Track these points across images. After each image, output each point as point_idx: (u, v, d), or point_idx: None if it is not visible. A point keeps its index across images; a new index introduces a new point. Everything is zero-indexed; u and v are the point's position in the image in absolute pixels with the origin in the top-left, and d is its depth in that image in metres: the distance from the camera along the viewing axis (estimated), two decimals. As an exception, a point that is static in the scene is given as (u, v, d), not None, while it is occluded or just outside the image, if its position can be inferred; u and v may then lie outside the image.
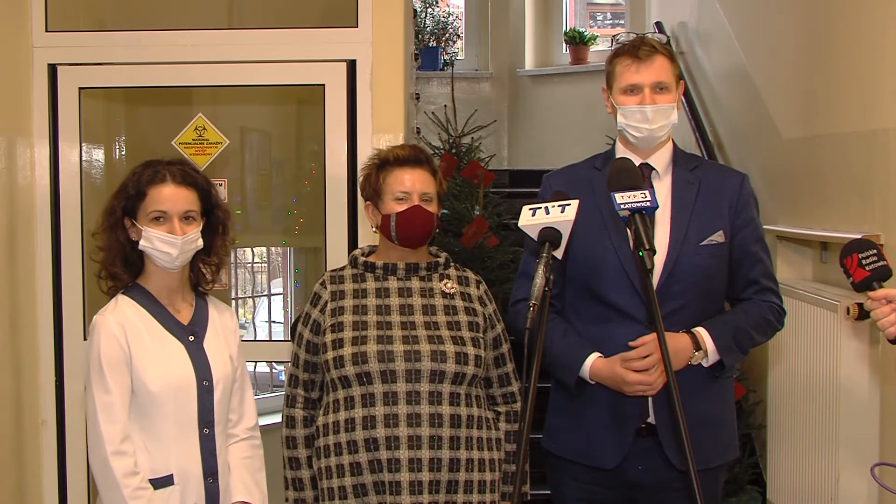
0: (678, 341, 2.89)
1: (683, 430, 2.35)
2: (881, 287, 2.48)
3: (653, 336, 2.85)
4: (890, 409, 3.71)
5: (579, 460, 3.06)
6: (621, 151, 3.07)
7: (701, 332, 2.94)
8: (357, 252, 3.22)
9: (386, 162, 3.12)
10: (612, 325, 2.97)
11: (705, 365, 2.95)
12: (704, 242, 2.98)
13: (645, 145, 3.01)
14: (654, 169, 3.03)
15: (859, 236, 3.63)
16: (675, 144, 3.11)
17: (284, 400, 3.16)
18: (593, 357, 2.96)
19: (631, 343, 2.90)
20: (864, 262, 2.49)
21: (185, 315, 2.96)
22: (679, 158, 3.09)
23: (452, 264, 3.22)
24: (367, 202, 3.16)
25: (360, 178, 3.22)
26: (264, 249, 7.16)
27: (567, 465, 3.10)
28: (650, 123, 2.94)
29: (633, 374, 2.87)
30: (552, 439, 3.15)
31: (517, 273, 3.24)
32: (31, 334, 4.20)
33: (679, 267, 2.94)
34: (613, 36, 3.10)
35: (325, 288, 3.13)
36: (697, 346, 2.92)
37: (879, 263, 2.48)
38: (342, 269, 3.19)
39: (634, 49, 2.97)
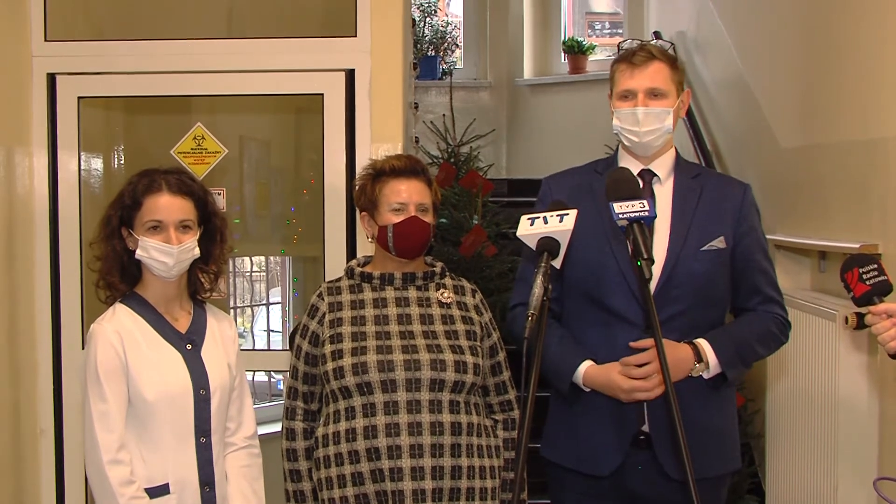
0: (679, 351, 2.89)
1: (682, 441, 2.35)
2: (882, 301, 2.48)
3: (653, 343, 2.85)
4: (889, 418, 3.71)
5: (577, 468, 3.05)
6: (623, 158, 3.08)
7: (703, 343, 2.93)
8: (353, 263, 3.22)
9: (381, 172, 3.12)
10: (610, 329, 2.97)
11: (706, 377, 2.95)
12: (705, 248, 2.98)
13: (640, 151, 3.02)
14: (655, 175, 3.04)
15: (857, 246, 3.65)
16: (677, 152, 3.11)
17: (283, 412, 3.15)
18: (586, 364, 2.95)
19: (632, 344, 2.90)
20: (864, 276, 2.50)
21: (182, 324, 2.96)
22: (681, 166, 3.09)
23: (448, 273, 3.22)
24: (363, 213, 3.17)
25: (354, 189, 3.22)
26: (263, 258, 7.16)
27: (566, 474, 3.09)
28: (640, 126, 2.95)
29: (630, 381, 2.86)
30: (551, 447, 3.15)
31: (516, 278, 3.24)
32: (29, 343, 4.19)
33: (678, 271, 2.94)
34: (619, 43, 3.12)
35: (323, 299, 3.13)
36: (699, 357, 2.92)
37: (880, 278, 2.49)
38: (338, 280, 3.19)
39: (631, 55, 3.00)
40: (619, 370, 2.89)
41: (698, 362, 2.91)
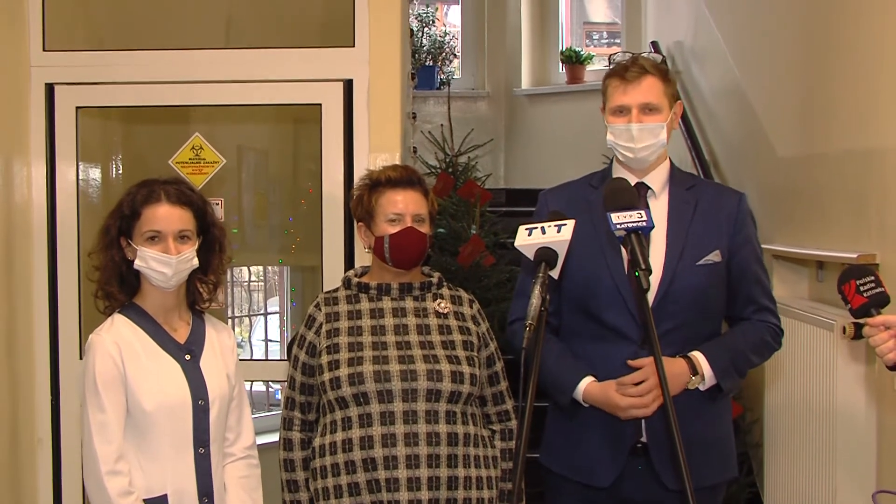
0: (674, 366, 2.89)
1: (680, 453, 2.35)
2: (879, 313, 2.47)
3: (650, 360, 2.85)
4: (887, 429, 3.71)
5: (576, 478, 3.05)
6: (618, 170, 3.08)
7: (698, 356, 2.93)
8: (350, 273, 3.23)
9: (378, 183, 3.13)
10: (606, 344, 2.97)
11: (702, 389, 2.95)
12: (701, 262, 2.98)
13: (636, 165, 3.02)
14: (649, 188, 3.04)
15: (855, 255, 3.66)
16: (672, 164, 3.11)
17: (281, 423, 3.15)
18: (587, 380, 2.95)
19: (630, 363, 2.90)
20: (861, 288, 2.49)
21: (181, 334, 2.96)
22: (676, 178, 3.09)
23: (445, 284, 3.22)
24: (360, 223, 3.17)
25: (351, 199, 3.22)
26: (261, 268, 7.15)
27: (564, 482, 3.09)
28: (635, 142, 2.95)
29: (627, 398, 2.86)
30: (550, 456, 3.15)
31: (514, 292, 3.24)
32: (27, 353, 4.19)
33: (675, 286, 2.94)
34: (610, 55, 3.12)
35: (320, 310, 3.13)
36: (694, 370, 2.92)
37: (877, 290, 2.48)
38: (336, 290, 3.20)
39: (623, 70, 2.99)
40: (616, 388, 2.89)
41: (694, 375, 2.92)
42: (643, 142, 2.95)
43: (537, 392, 2.47)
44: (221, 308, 4.63)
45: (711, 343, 2.99)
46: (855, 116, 3.96)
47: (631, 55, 3.06)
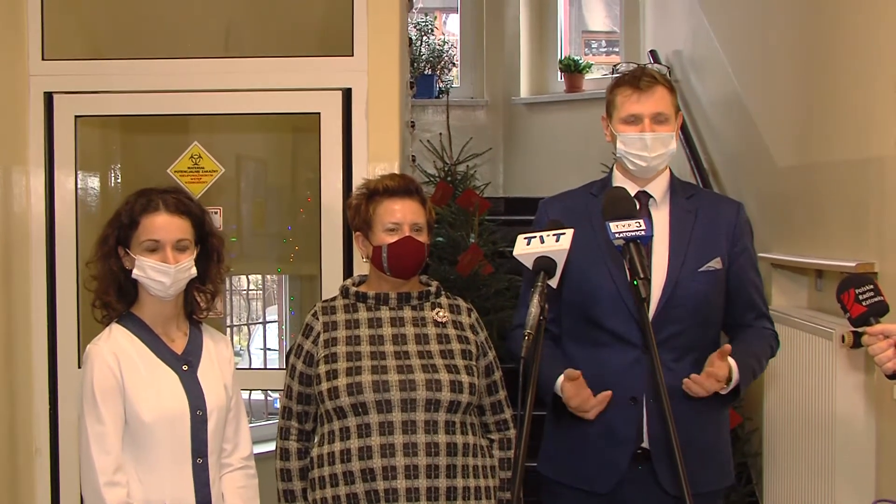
0: (723, 370, 2.87)
1: (679, 458, 2.35)
2: (878, 322, 2.47)
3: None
4: (886, 438, 3.70)
5: (575, 485, 3.06)
6: (619, 179, 3.09)
7: (733, 364, 2.92)
8: (348, 282, 3.22)
9: (375, 192, 3.12)
10: (608, 349, 2.99)
11: (723, 393, 2.94)
12: (703, 269, 3.00)
13: (643, 174, 3.03)
14: (651, 197, 3.05)
15: (854, 264, 3.66)
16: (671, 173, 3.12)
17: (278, 432, 3.15)
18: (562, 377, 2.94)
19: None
20: (860, 297, 2.49)
21: (179, 344, 2.96)
22: (676, 187, 3.11)
23: (443, 293, 3.22)
24: (357, 233, 3.17)
25: (349, 209, 3.22)
26: (259, 277, 7.15)
27: (563, 489, 3.10)
28: (649, 151, 2.96)
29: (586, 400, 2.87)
30: (548, 463, 3.15)
31: (518, 302, 3.25)
32: (25, 362, 4.19)
33: (678, 292, 2.96)
34: (614, 66, 3.13)
35: (317, 319, 3.13)
36: (729, 378, 2.91)
37: (876, 299, 2.48)
38: (333, 299, 3.19)
39: (635, 79, 2.99)
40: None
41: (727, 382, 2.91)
42: (656, 151, 2.97)
43: (536, 401, 2.47)
44: (220, 317, 4.63)
45: (737, 349, 2.97)
46: (853, 125, 3.96)
47: (636, 66, 3.07)
